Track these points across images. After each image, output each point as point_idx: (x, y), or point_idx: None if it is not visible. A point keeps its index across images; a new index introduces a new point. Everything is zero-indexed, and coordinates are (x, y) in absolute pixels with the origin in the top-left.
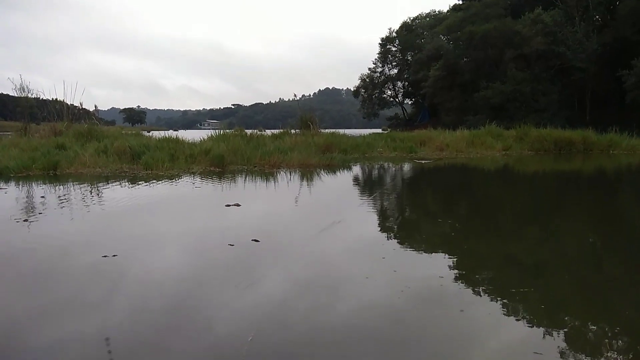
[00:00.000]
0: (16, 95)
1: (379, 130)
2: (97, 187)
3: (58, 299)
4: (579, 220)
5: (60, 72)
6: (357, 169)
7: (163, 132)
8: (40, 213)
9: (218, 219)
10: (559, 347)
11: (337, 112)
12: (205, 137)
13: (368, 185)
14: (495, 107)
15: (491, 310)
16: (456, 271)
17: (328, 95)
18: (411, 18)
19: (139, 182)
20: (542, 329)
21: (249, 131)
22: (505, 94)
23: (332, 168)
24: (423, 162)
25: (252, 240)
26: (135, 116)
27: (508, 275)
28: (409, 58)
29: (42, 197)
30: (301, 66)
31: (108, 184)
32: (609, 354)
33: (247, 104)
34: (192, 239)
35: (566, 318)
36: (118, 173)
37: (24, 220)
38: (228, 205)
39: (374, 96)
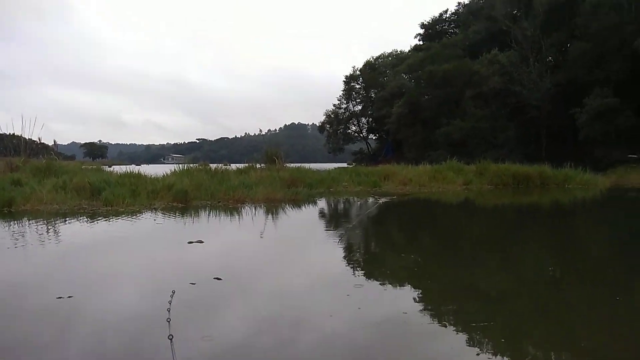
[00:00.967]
0: None
1: (344, 165)
2: (54, 224)
3: (8, 341)
4: (537, 250)
5: (19, 106)
6: (322, 204)
7: (125, 166)
8: None
9: (179, 256)
10: None
11: (302, 146)
12: (169, 172)
13: (333, 220)
14: (455, 143)
15: (453, 344)
16: (420, 305)
17: (294, 130)
18: (374, 57)
19: (98, 219)
20: None
21: (213, 165)
22: (465, 130)
23: (297, 202)
24: (381, 200)
25: (215, 278)
26: (96, 151)
27: (470, 306)
28: (373, 95)
29: None
30: (266, 101)
31: (66, 221)
32: None
33: (212, 139)
34: (152, 277)
35: (525, 349)
36: (76, 210)
37: None
38: (190, 242)
39: (339, 131)
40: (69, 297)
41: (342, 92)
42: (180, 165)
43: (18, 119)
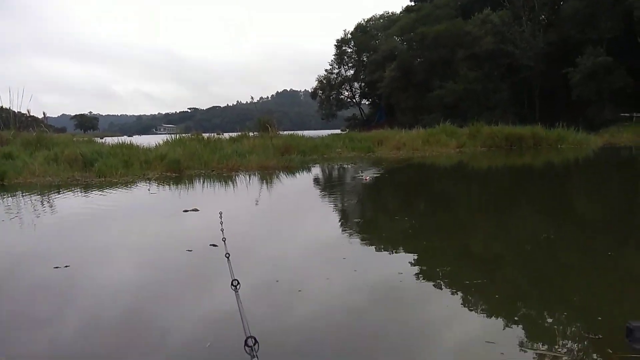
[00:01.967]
0: None
1: (338, 131)
2: (48, 196)
3: (7, 312)
4: (531, 212)
5: (4, 79)
6: (316, 170)
7: (117, 138)
8: None
9: (175, 225)
10: (511, 336)
11: (295, 114)
12: (161, 142)
13: (327, 186)
14: (448, 106)
15: (449, 303)
16: (415, 267)
17: (286, 97)
18: (365, 19)
19: (92, 190)
20: (495, 320)
21: (206, 135)
22: (458, 92)
23: (291, 170)
24: (366, 177)
25: (211, 245)
26: (87, 122)
27: (464, 268)
28: (365, 59)
29: None
30: (257, 68)
31: (59, 192)
32: (561, 341)
33: (204, 108)
34: (149, 246)
35: (519, 308)
36: (70, 181)
37: None
38: (186, 211)
39: (331, 97)
40: (66, 266)
41: (333, 56)
42: (173, 135)
43: (5, 91)
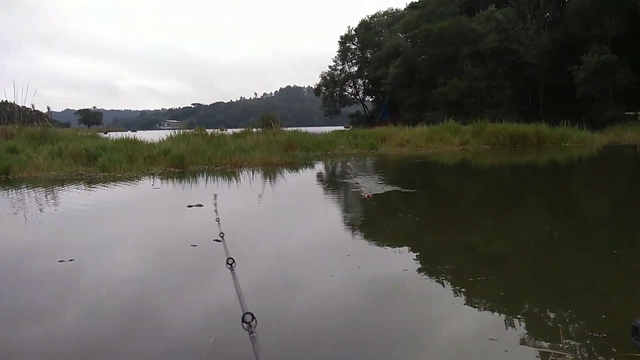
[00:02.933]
0: None
1: (341, 128)
2: (52, 190)
3: (11, 305)
4: (534, 210)
5: (7, 73)
6: (319, 167)
7: (120, 133)
8: None
9: (179, 220)
10: (515, 333)
11: (299, 110)
12: (165, 138)
13: (330, 183)
14: (452, 103)
15: (452, 299)
16: (419, 264)
17: (290, 94)
18: (369, 16)
19: (96, 185)
20: (499, 317)
21: (209, 130)
22: (462, 90)
23: (294, 166)
24: (367, 195)
25: (215, 240)
26: (91, 117)
27: (468, 265)
28: (369, 56)
29: None
30: (261, 64)
31: (64, 187)
32: (564, 340)
33: (208, 103)
34: (154, 241)
35: (522, 305)
36: (74, 176)
37: None
38: (190, 206)
39: (335, 94)
40: (71, 260)
41: (337, 52)
42: (176, 130)
43: (9, 86)
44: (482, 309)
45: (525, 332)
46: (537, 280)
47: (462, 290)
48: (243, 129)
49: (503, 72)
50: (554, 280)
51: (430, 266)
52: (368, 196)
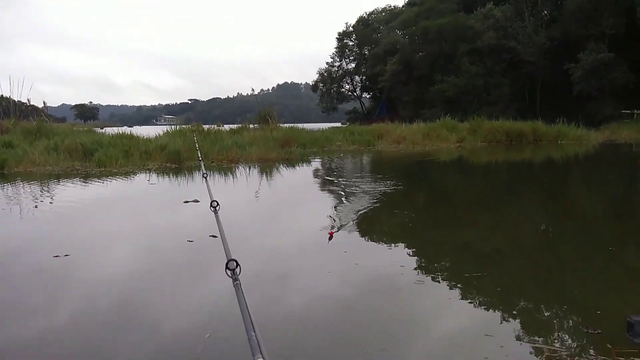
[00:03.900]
0: None
1: (338, 125)
2: (48, 185)
3: (4, 299)
4: (530, 208)
5: (2, 67)
6: (316, 163)
7: (117, 128)
8: None
9: (176, 215)
10: (510, 329)
11: (296, 106)
12: (161, 133)
13: (326, 179)
14: (449, 101)
15: (449, 295)
16: (415, 260)
17: (287, 90)
18: (367, 13)
19: (92, 180)
20: (495, 313)
21: (206, 126)
22: (459, 87)
23: (291, 162)
24: (330, 233)
25: (211, 236)
26: (87, 112)
27: (464, 262)
28: (366, 52)
29: None
30: (258, 60)
31: (59, 182)
32: (560, 336)
33: (205, 99)
34: (151, 236)
35: (518, 301)
36: (69, 171)
37: None
38: (186, 202)
39: (332, 90)
40: (66, 255)
41: (335, 49)
42: (173, 126)
43: (5, 80)
44: (478, 305)
45: (521, 327)
46: (532, 276)
47: (458, 286)
48: (240, 125)
49: (500, 69)
50: (549, 277)
51: (426, 262)
52: (331, 234)
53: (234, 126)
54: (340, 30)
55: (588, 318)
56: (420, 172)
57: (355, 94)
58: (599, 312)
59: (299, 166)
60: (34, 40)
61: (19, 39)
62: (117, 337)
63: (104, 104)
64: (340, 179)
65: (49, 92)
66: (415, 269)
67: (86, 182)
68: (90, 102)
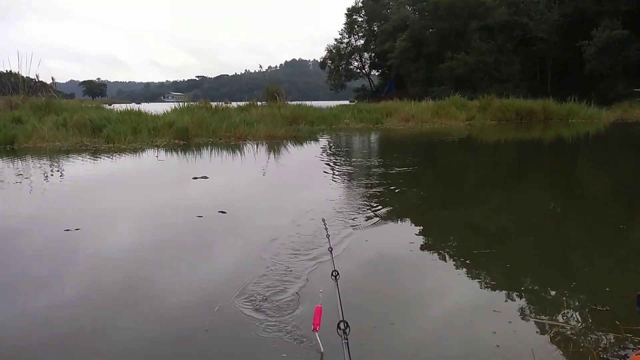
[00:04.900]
0: None
1: (347, 102)
2: (58, 161)
3: (15, 272)
4: (539, 186)
5: (11, 42)
6: (323, 141)
7: (125, 105)
8: None
9: (186, 191)
10: (519, 306)
11: (304, 84)
12: (169, 110)
13: (334, 156)
14: (459, 78)
15: (458, 272)
16: (425, 238)
17: (295, 67)
18: None
19: (101, 156)
20: (503, 290)
21: (214, 103)
22: (469, 64)
23: (298, 139)
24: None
25: (220, 211)
26: (95, 89)
27: (474, 239)
28: (375, 29)
29: None
30: (265, 37)
31: (69, 157)
32: (568, 312)
33: (212, 76)
34: (161, 211)
35: (527, 279)
36: (79, 147)
37: None
38: (195, 178)
39: (340, 67)
40: (77, 229)
41: (343, 25)
42: (181, 103)
43: (14, 56)
44: (487, 282)
45: (529, 304)
46: (541, 254)
47: (468, 262)
48: (248, 102)
49: (511, 47)
50: (558, 254)
51: (435, 240)
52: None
53: (241, 103)
54: (350, 6)
55: (596, 295)
56: (429, 150)
57: (363, 71)
58: (607, 289)
59: (306, 144)
60: (43, 16)
61: (28, 15)
62: (127, 309)
63: (111, 81)
64: (348, 158)
65: (57, 68)
66: (424, 246)
67: (95, 158)
68: (98, 79)
